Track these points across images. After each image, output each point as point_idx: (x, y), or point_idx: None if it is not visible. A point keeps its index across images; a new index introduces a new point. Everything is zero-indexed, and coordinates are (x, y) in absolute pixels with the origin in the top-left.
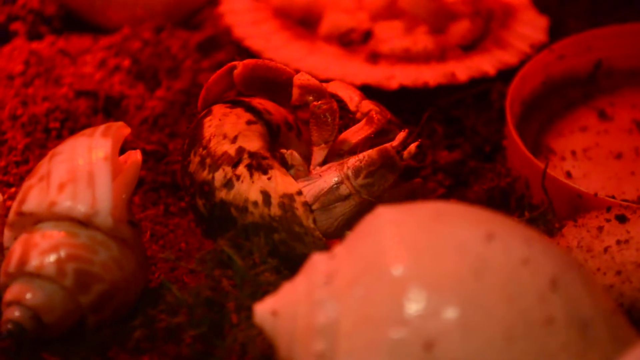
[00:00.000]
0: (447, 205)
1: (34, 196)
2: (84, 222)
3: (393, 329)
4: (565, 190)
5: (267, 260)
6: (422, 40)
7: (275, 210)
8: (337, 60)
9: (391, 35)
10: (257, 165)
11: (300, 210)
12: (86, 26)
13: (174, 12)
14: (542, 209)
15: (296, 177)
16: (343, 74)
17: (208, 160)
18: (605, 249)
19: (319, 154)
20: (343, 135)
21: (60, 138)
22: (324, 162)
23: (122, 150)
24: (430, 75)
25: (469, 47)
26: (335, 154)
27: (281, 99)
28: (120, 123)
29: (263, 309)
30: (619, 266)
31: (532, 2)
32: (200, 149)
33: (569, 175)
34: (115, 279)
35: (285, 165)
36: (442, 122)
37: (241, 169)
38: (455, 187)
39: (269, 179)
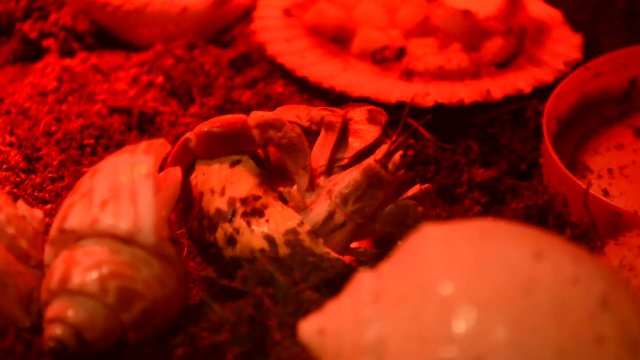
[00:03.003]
0: (494, 223)
1: (77, 213)
2: (126, 240)
3: (442, 347)
4: (605, 209)
5: (309, 278)
6: (456, 57)
7: (283, 250)
8: (371, 77)
9: (425, 53)
10: (252, 211)
11: (307, 241)
12: (118, 43)
13: (206, 29)
14: (583, 227)
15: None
16: (378, 91)
17: (205, 222)
18: None
19: (301, 181)
20: (313, 154)
21: (94, 154)
22: (311, 188)
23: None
24: (465, 92)
25: (503, 64)
26: (318, 175)
27: (245, 146)
28: (162, 140)
29: (308, 327)
30: None
31: (565, 20)
32: (195, 212)
33: (606, 193)
34: (157, 296)
35: (284, 202)
36: (477, 140)
37: (238, 221)
38: (491, 205)
39: (267, 221)
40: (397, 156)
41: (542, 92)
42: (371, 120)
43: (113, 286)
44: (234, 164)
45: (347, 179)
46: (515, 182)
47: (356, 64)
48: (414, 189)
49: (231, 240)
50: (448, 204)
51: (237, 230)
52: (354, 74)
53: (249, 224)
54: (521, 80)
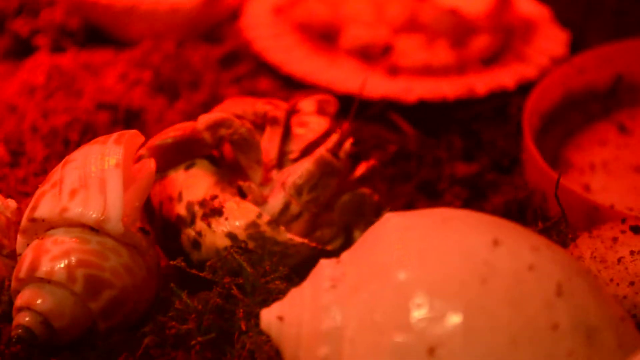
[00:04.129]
0: (454, 211)
1: (46, 202)
2: (95, 228)
3: (397, 333)
4: (582, 203)
5: (278, 268)
6: (442, 53)
7: (249, 244)
8: (356, 73)
9: (411, 49)
10: (211, 212)
11: (268, 231)
12: (109, 40)
13: (196, 27)
14: (554, 220)
15: None
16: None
17: (168, 230)
18: (619, 260)
19: (255, 175)
20: (262, 149)
21: None
22: (265, 182)
23: None
24: (449, 88)
25: (490, 61)
26: (270, 168)
27: (199, 151)
28: (134, 131)
29: (270, 315)
30: (633, 277)
31: (553, 17)
32: (157, 222)
33: (587, 188)
34: (125, 285)
35: (243, 196)
36: (460, 136)
37: (199, 224)
38: (472, 201)
39: (226, 219)
40: (347, 144)
41: (527, 88)
42: (320, 110)
43: (81, 274)
44: (188, 168)
45: (299, 170)
46: (497, 177)
47: (343, 61)
48: (361, 168)
49: (195, 244)
50: (430, 198)
51: (199, 234)
52: (339, 70)
53: (209, 225)
54: (505, 77)
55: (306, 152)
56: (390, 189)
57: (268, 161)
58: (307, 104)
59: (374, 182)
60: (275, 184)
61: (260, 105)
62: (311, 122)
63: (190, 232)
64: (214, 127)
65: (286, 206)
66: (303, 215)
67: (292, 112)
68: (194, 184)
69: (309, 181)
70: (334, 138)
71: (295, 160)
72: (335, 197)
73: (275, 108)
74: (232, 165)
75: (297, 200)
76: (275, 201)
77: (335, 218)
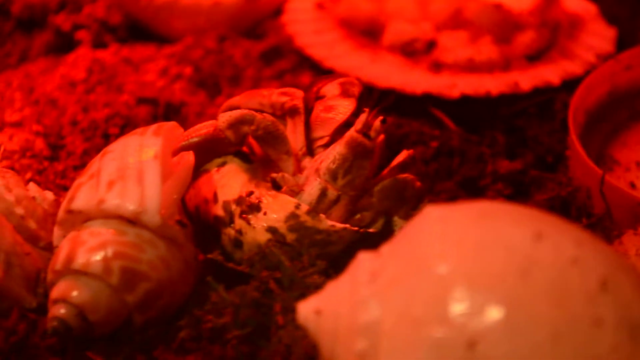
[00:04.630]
0: (495, 205)
1: (84, 194)
2: (132, 220)
3: (435, 327)
4: (627, 200)
5: (316, 262)
6: (486, 50)
7: (290, 236)
8: (399, 69)
9: (455, 45)
10: (249, 208)
11: (309, 221)
12: (150, 36)
13: (238, 22)
14: (599, 216)
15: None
16: (404, 83)
17: (208, 233)
18: None
19: (286, 166)
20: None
21: None
22: (298, 171)
23: None
24: (493, 84)
25: (535, 57)
26: (301, 158)
27: (224, 148)
28: (173, 123)
29: (307, 308)
30: None
31: (600, 14)
32: (196, 227)
33: (632, 186)
34: (162, 278)
35: (277, 188)
36: (504, 132)
37: (238, 222)
38: (515, 197)
39: (265, 213)
40: (377, 122)
41: (573, 84)
42: (344, 93)
43: (117, 267)
44: (219, 168)
45: (332, 155)
46: (540, 174)
47: (386, 56)
48: (402, 155)
49: (237, 243)
50: (472, 195)
51: (239, 232)
52: (382, 66)
53: (248, 222)
54: (550, 73)
55: (336, 135)
56: (432, 185)
57: (297, 151)
58: (331, 88)
59: (413, 171)
60: (309, 172)
61: (276, 97)
62: (337, 106)
63: (231, 232)
64: (236, 124)
65: (323, 192)
66: (341, 199)
67: (316, 97)
68: (227, 183)
69: (343, 164)
70: (362, 118)
71: (327, 145)
72: (375, 182)
73: (292, 98)
74: (263, 159)
75: (333, 185)
76: (312, 189)
77: (374, 202)
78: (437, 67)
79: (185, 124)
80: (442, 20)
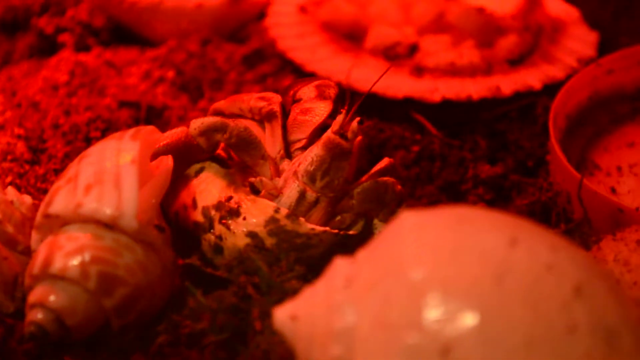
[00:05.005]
0: (471, 210)
1: (61, 198)
2: (110, 225)
3: (409, 333)
4: (607, 205)
5: (294, 267)
6: (468, 54)
7: (270, 241)
8: (381, 73)
9: (437, 49)
10: (228, 214)
11: (289, 225)
12: (134, 39)
13: (221, 25)
14: (577, 221)
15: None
16: (386, 87)
17: (187, 239)
18: None
19: (263, 170)
20: (267, 145)
21: None
22: (277, 175)
23: None
24: (474, 88)
25: (517, 61)
26: (279, 161)
27: (196, 155)
28: (151, 127)
29: (283, 314)
30: None
31: (582, 18)
32: (176, 232)
33: (613, 191)
34: (139, 282)
35: (256, 192)
36: (485, 136)
37: (218, 228)
38: (496, 202)
39: (244, 218)
40: (354, 124)
41: (554, 89)
42: (321, 95)
43: (94, 271)
44: (197, 173)
45: (309, 157)
46: (521, 178)
47: (368, 60)
48: (384, 162)
49: (217, 249)
50: (453, 200)
51: (219, 237)
52: (364, 70)
53: (228, 227)
54: (532, 77)
55: (313, 137)
56: (413, 190)
57: (275, 155)
58: (307, 91)
59: (394, 176)
60: (287, 175)
61: (254, 102)
62: (314, 108)
63: (210, 237)
64: (208, 132)
65: (302, 195)
66: (320, 201)
67: (293, 101)
68: (206, 188)
69: (321, 166)
70: (339, 119)
71: (304, 148)
72: (355, 185)
73: (269, 103)
74: (241, 164)
75: (312, 187)
76: (291, 191)
77: (354, 204)
78: (419, 71)
79: (168, 128)
80: (425, 24)
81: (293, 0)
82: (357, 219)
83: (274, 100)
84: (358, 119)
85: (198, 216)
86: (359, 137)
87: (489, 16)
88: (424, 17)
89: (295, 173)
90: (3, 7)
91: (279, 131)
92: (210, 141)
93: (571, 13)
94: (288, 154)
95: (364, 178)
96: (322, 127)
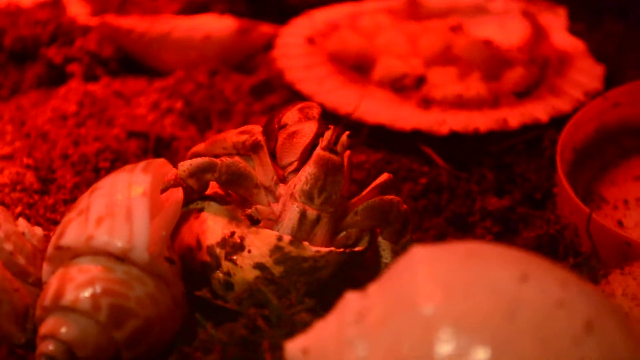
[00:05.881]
0: (482, 245)
1: (73, 230)
2: (121, 257)
3: None
4: (614, 238)
5: (304, 300)
6: (475, 86)
7: (277, 269)
8: (388, 105)
9: (444, 81)
10: (233, 249)
11: (293, 251)
12: (142, 69)
13: (229, 56)
14: (585, 255)
15: (269, 228)
16: (394, 119)
17: (197, 280)
18: None
19: (259, 199)
20: (258, 175)
21: None
22: (274, 200)
23: None
24: (481, 121)
25: (523, 94)
26: (274, 187)
27: (188, 197)
28: (162, 160)
29: (294, 347)
30: None
31: (588, 51)
32: (184, 275)
33: (620, 224)
34: (150, 315)
35: (256, 222)
36: (492, 168)
37: (225, 265)
38: (503, 234)
39: (249, 251)
40: (344, 137)
41: (561, 122)
42: (305, 117)
43: (105, 303)
44: (198, 214)
45: (303, 177)
46: (529, 211)
47: (375, 92)
48: (383, 177)
49: (227, 285)
50: (460, 232)
51: (228, 274)
52: (372, 102)
53: (235, 262)
54: (539, 110)
55: (304, 158)
56: (420, 221)
57: (269, 183)
58: (291, 115)
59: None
60: (284, 199)
61: (236, 137)
62: (300, 130)
63: (219, 275)
64: (198, 173)
65: (302, 215)
66: (322, 218)
67: (279, 127)
68: (208, 228)
69: (316, 184)
70: (327, 135)
71: (297, 170)
72: (356, 201)
73: (251, 134)
74: (240, 199)
75: (312, 206)
76: (291, 214)
77: (359, 220)
78: (427, 103)
79: (176, 159)
80: (432, 56)
81: (300, 32)
82: (362, 234)
83: (255, 131)
84: (348, 132)
85: (204, 256)
86: (347, 152)
87: (496, 49)
88: (431, 49)
89: (292, 195)
90: (12, 37)
91: (267, 159)
92: (200, 182)
93: (577, 46)
94: (282, 179)
95: (364, 192)
96: (311, 146)
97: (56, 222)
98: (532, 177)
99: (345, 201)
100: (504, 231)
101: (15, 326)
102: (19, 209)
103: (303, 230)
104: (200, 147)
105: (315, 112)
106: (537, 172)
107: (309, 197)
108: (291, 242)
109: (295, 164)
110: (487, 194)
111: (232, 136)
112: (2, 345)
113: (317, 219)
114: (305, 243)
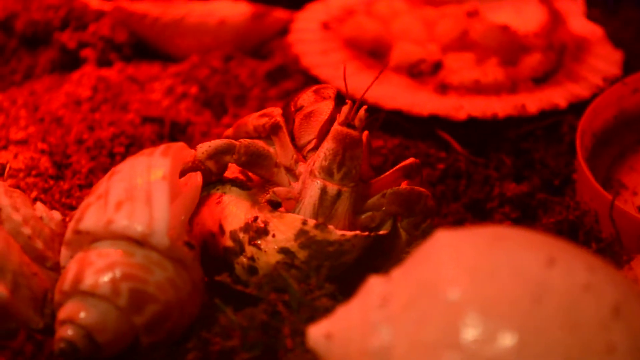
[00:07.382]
0: (507, 229)
1: (92, 214)
2: (140, 242)
3: (447, 353)
4: (636, 224)
5: (324, 285)
6: (492, 71)
7: (302, 254)
8: (405, 91)
9: (461, 67)
10: (257, 234)
11: (319, 235)
12: (156, 54)
13: (244, 41)
14: (608, 241)
15: (291, 208)
16: (411, 104)
17: (220, 265)
18: None
19: (279, 178)
20: (279, 155)
21: None
22: (295, 179)
23: None
24: (499, 106)
25: (541, 79)
26: (295, 166)
27: (207, 179)
28: (181, 144)
29: (317, 332)
30: None
31: (606, 36)
32: (207, 261)
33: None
34: (170, 299)
35: (277, 205)
36: (510, 154)
37: (249, 250)
38: (522, 220)
39: (273, 236)
40: (362, 112)
41: (579, 107)
42: (320, 98)
43: (125, 288)
44: (219, 199)
45: (322, 153)
46: (548, 197)
47: (392, 77)
48: (409, 160)
49: (251, 270)
50: (478, 218)
51: (252, 259)
52: (388, 87)
53: (259, 247)
54: (557, 95)
55: (322, 135)
56: (438, 207)
57: (289, 162)
58: (306, 97)
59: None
60: (304, 177)
61: (256, 121)
62: (317, 109)
63: (243, 260)
64: (217, 155)
65: (323, 191)
66: (343, 193)
67: (295, 110)
68: (231, 213)
69: (335, 159)
70: (344, 111)
71: (316, 148)
72: (379, 180)
73: (270, 117)
74: (262, 182)
75: (331, 181)
76: (312, 191)
77: (385, 203)
78: (444, 88)
79: (191, 144)
80: (449, 41)
81: (316, 17)
82: (385, 217)
83: (275, 113)
84: (365, 107)
85: (227, 241)
86: (366, 132)
87: (513, 34)
88: (447, 34)
89: (311, 172)
90: (24, 21)
91: (286, 139)
92: (219, 164)
93: (595, 31)
94: (301, 157)
95: (387, 173)
96: (329, 124)
97: (71, 207)
98: (551, 163)
99: (366, 179)
100: (523, 217)
101: (33, 311)
102: (34, 194)
103: (324, 206)
104: (228, 132)
105: (331, 92)
106: (555, 158)
107: (328, 172)
108: (316, 226)
109: (313, 142)
110: (506, 179)
111: (253, 120)
112: (21, 330)
113: (338, 194)
114: (331, 227)
